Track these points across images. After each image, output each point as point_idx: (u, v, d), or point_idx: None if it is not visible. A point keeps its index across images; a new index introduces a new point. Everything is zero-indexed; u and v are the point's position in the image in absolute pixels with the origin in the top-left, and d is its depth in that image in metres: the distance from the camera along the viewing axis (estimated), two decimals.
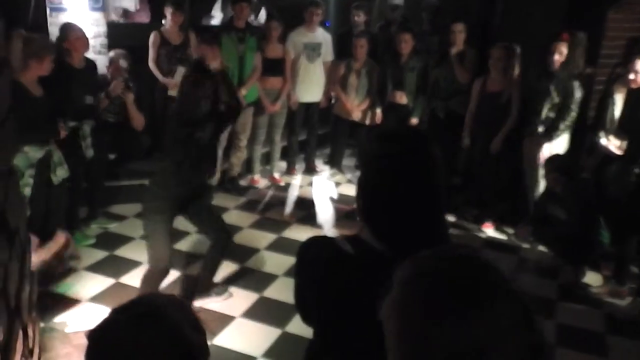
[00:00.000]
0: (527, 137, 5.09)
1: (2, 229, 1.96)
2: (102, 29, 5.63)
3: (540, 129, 4.87)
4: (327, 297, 1.52)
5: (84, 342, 1.18)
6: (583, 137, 4.97)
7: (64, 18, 5.28)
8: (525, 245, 5.11)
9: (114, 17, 6.28)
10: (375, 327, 1.50)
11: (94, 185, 4.96)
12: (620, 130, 4.50)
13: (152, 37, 5.49)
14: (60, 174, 4.18)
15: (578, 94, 4.72)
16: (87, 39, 4.78)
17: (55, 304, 3.80)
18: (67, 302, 3.85)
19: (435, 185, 1.51)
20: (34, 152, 3.92)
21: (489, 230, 5.36)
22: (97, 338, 1.17)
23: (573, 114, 4.74)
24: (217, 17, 7.09)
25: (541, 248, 4.93)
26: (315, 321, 1.64)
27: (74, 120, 4.48)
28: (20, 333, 2.14)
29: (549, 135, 4.85)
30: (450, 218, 5.41)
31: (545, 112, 4.83)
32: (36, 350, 2.61)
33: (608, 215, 4.35)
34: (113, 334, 1.16)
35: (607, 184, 4.53)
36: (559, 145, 4.89)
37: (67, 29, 4.68)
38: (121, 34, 5.80)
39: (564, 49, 4.71)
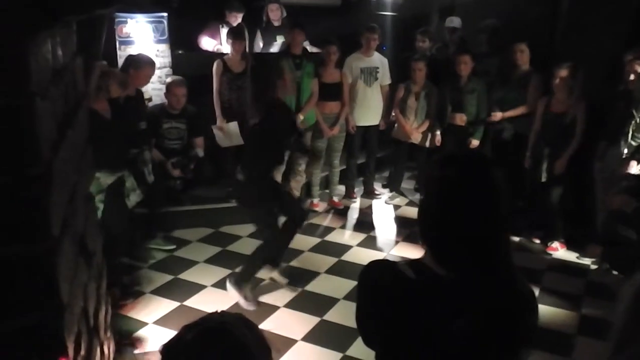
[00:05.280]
0: (597, 161, 4.93)
1: (82, 251, 2.06)
2: (167, 59, 5.87)
3: (625, 150, 4.68)
4: (389, 321, 1.52)
5: None
6: None
7: (132, 50, 5.53)
8: (593, 267, 4.93)
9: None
10: (437, 349, 1.49)
11: (153, 210, 5.07)
12: None
13: (215, 66, 5.61)
14: (134, 199, 4.32)
15: None
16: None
17: (123, 325, 3.93)
18: (135, 325, 3.98)
19: (498, 209, 1.50)
20: (105, 178, 4.03)
21: (556, 253, 5.20)
22: (167, 353, 1.24)
23: None
24: (275, 45, 7.23)
25: (612, 271, 4.73)
26: (377, 344, 1.64)
27: (135, 147, 4.64)
28: (98, 350, 2.24)
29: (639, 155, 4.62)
30: (515, 240, 5.29)
31: (631, 133, 4.64)
32: None
33: None
34: (181, 349, 1.22)
35: None
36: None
37: (141, 63, 4.87)
38: (185, 64, 6.02)
39: (638, 67, 4.55)
